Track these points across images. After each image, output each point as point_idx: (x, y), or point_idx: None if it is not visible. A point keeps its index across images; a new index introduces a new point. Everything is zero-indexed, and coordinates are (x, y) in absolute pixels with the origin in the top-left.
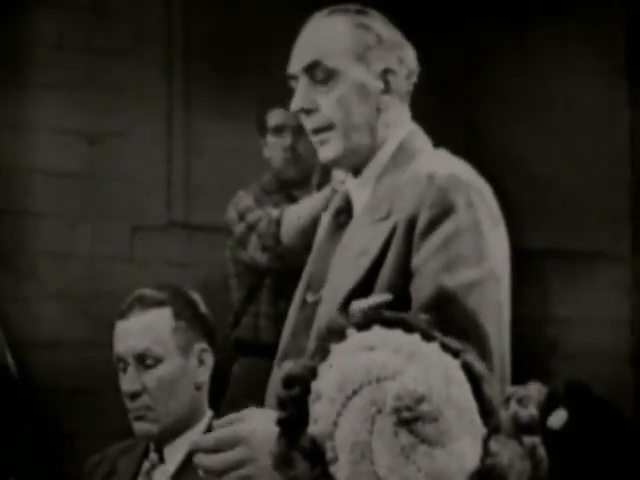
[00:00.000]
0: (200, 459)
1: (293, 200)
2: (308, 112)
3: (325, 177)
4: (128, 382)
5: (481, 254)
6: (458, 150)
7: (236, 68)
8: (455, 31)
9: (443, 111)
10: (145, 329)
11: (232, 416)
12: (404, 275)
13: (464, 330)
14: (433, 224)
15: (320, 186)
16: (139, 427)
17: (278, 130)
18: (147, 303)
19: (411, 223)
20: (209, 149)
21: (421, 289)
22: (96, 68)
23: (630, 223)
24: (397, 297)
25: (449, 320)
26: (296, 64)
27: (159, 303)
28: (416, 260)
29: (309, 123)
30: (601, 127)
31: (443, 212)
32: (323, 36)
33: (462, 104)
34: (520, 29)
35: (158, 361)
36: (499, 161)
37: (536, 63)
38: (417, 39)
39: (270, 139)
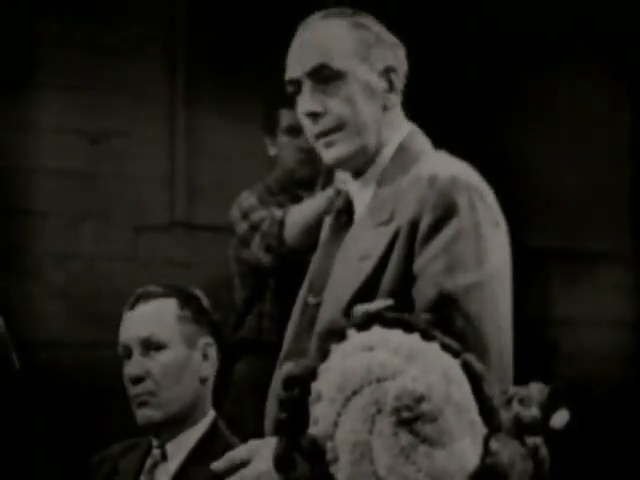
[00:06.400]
0: None
1: (298, 200)
2: (316, 116)
3: (329, 178)
4: (132, 366)
5: (481, 257)
6: (459, 151)
7: (238, 68)
8: (455, 33)
9: (444, 112)
10: (150, 316)
11: (239, 455)
12: (406, 280)
13: (463, 332)
14: (435, 228)
15: (325, 187)
16: (142, 414)
17: (292, 130)
18: (153, 295)
19: (413, 227)
20: (211, 149)
21: (422, 292)
22: (98, 68)
23: (631, 223)
24: (399, 302)
25: (449, 322)
26: (299, 68)
27: (165, 295)
28: (418, 264)
29: (317, 127)
30: (602, 128)
31: (444, 215)
32: (325, 38)
33: (463, 106)
34: (522, 32)
35: (163, 347)
36: (500, 161)
37: (538, 65)
38: (422, 43)
39: (282, 139)
